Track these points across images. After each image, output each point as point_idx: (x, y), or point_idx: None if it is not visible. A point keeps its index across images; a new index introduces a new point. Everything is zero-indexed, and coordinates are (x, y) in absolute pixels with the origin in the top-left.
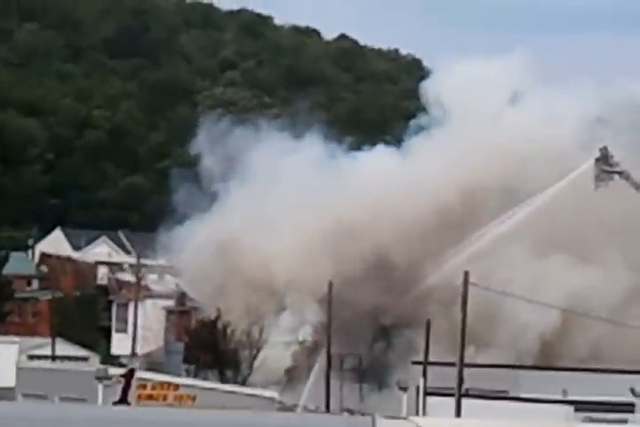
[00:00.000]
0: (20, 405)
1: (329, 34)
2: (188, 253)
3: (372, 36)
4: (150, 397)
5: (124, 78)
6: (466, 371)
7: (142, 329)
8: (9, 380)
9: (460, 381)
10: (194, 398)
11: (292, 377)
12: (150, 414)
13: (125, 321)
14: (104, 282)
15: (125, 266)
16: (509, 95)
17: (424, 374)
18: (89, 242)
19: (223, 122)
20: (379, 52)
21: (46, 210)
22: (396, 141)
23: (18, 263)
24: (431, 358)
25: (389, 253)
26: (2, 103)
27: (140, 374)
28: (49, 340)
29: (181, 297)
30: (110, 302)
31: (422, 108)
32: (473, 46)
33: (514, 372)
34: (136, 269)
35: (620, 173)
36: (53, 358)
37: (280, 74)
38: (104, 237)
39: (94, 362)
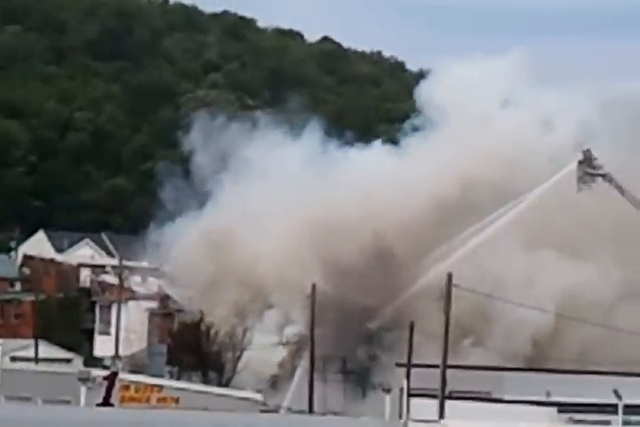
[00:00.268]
0: (3, 407)
1: (312, 36)
2: (178, 249)
3: (354, 39)
4: (133, 399)
5: (107, 80)
6: (449, 373)
7: (125, 331)
8: None
9: (444, 383)
10: (177, 400)
11: (276, 379)
12: (133, 415)
13: (108, 323)
14: (87, 284)
15: (108, 268)
16: (502, 97)
17: (407, 376)
18: (72, 244)
19: (215, 119)
20: (362, 54)
21: (29, 212)
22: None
23: (0, 265)
24: (428, 357)
25: (380, 251)
26: None
27: (123, 375)
28: (32, 342)
29: (164, 299)
30: (93, 304)
31: (407, 111)
32: (458, 49)
33: (498, 373)
34: (119, 271)
35: (603, 176)
36: (36, 360)
37: (263, 76)
38: (87, 240)
39: (77, 364)
